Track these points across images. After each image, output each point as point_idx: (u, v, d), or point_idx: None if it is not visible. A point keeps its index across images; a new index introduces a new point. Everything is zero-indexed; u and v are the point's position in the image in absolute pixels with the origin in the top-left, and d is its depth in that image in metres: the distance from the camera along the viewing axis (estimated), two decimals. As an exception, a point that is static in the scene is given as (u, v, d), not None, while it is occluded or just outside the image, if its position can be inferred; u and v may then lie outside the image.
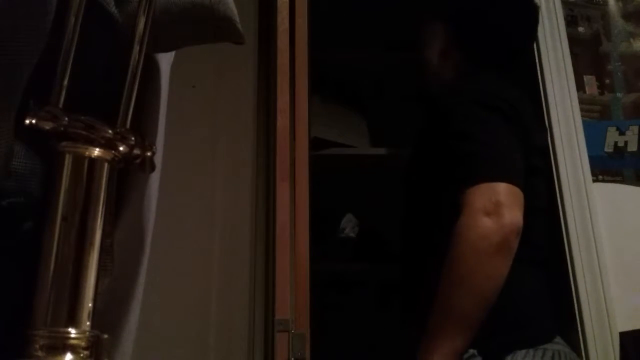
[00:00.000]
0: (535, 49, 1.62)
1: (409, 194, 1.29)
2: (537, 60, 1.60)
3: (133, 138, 0.46)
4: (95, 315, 0.43)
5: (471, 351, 1.02)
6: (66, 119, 0.42)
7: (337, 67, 1.92)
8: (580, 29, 1.71)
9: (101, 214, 0.45)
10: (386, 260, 1.78)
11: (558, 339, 1.11)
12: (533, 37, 1.42)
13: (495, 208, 1.01)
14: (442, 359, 0.99)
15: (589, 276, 1.42)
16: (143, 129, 0.59)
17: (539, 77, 1.60)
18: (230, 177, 1.63)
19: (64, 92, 0.43)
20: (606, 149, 1.57)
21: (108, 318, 0.57)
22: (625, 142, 1.59)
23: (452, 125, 1.14)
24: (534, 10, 1.39)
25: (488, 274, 1.00)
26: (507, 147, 1.10)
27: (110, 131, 0.45)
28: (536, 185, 1.18)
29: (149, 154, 0.48)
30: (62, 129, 0.42)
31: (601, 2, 1.75)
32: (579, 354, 1.33)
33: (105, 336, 0.44)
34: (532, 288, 1.14)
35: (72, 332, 0.42)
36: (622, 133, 1.60)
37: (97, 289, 0.44)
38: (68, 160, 0.44)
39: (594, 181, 1.52)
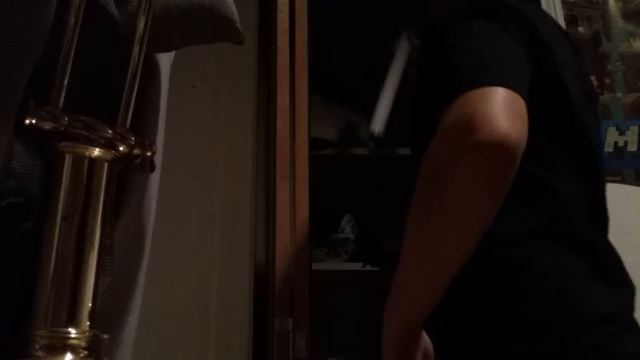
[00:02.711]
0: (535, 49, 1.62)
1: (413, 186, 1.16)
2: (537, 60, 1.61)
3: (133, 138, 0.46)
4: (95, 315, 0.43)
5: None
6: (66, 119, 0.43)
7: (337, 67, 1.92)
8: (580, 29, 1.71)
9: (101, 214, 0.45)
10: (386, 260, 1.78)
11: None
12: None
13: (469, 121, 0.71)
14: (399, 325, 0.78)
15: (589, 276, 1.42)
16: (143, 129, 0.59)
17: (539, 77, 1.60)
18: (230, 177, 1.63)
19: (64, 92, 0.44)
20: (606, 149, 1.57)
21: (108, 318, 0.57)
22: (625, 142, 1.59)
23: (434, 52, 0.90)
24: None
25: (454, 206, 0.73)
26: (499, 51, 0.82)
27: (110, 131, 0.45)
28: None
29: (149, 154, 0.48)
30: (62, 129, 0.43)
31: (601, 2, 1.76)
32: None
33: (105, 336, 0.44)
34: (564, 279, 0.85)
35: (72, 332, 0.42)
36: (622, 133, 1.60)
37: (97, 289, 0.44)
38: (68, 160, 0.44)
39: (594, 181, 1.52)
